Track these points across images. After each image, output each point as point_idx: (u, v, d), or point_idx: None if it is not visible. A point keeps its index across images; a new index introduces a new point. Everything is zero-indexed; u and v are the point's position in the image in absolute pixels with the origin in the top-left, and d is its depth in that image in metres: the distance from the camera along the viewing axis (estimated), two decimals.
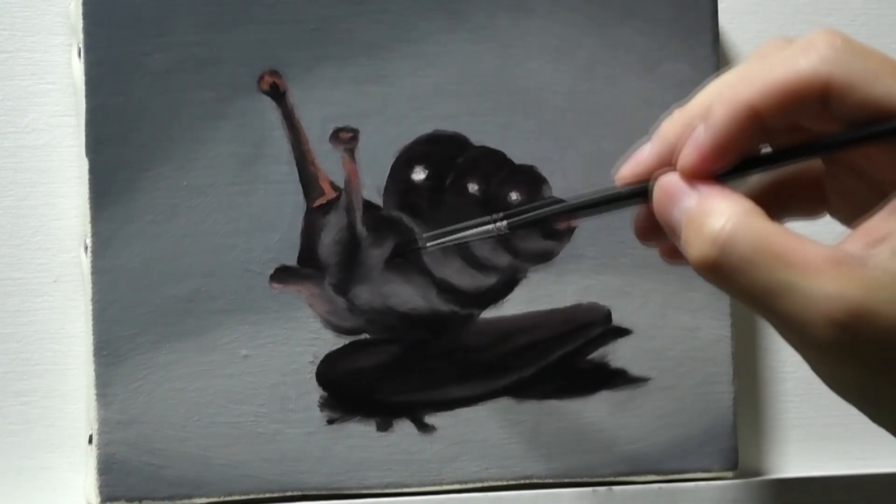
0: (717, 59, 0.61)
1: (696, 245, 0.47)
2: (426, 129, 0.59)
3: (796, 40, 0.48)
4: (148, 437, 0.57)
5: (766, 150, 0.49)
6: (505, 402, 0.60)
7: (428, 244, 0.57)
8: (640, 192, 0.50)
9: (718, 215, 0.46)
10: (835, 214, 0.52)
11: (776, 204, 0.51)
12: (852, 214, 0.48)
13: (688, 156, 0.48)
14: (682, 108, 0.49)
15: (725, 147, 0.47)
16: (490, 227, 0.54)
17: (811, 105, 0.47)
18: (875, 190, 0.48)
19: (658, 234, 0.50)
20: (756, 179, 0.52)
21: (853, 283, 0.45)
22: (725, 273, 0.46)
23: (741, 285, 0.46)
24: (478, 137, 0.59)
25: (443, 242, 0.57)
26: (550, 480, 0.60)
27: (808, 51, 0.46)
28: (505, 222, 0.54)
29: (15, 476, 0.59)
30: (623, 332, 0.61)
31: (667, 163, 0.49)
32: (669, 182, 0.49)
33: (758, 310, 0.47)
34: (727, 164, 0.48)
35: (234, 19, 0.58)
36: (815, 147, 0.48)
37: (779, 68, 0.47)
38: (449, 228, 0.56)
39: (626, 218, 0.60)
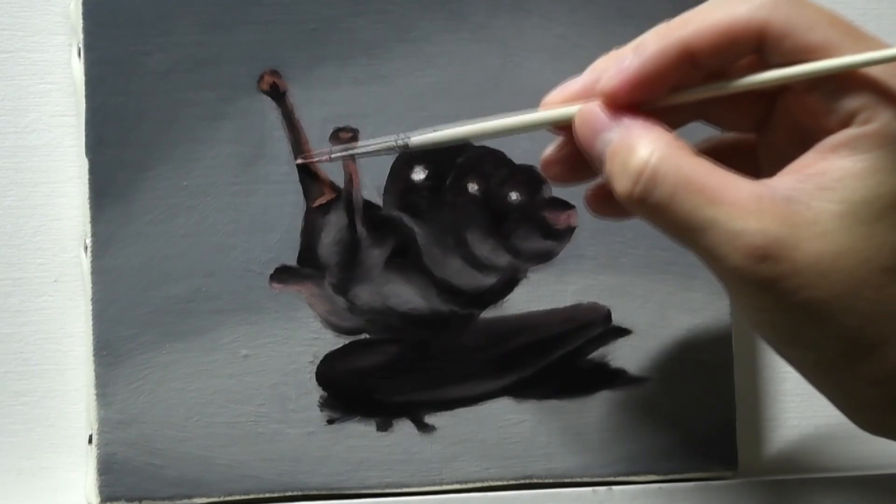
0: None
1: (620, 180, 0.47)
2: (426, 129, 0.59)
3: None
4: (148, 437, 0.57)
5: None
6: (505, 402, 0.60)
7: (332, 155, 0.57)
8: (562, 117, 0.49)
9: (642, 149, 0.47)
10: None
11: None
12: None
13: (610, 79, 0.48)
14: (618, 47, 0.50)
15: (649, 77, 0.48)
16: (392, 142, 0.54)
17: (745, 48, 0.47)
18: (806, 143, 0.48)
19: (569, 171, 0.51)
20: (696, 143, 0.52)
21: (775, 219, 0.45)
22: (650, 208, 0.47)
23: (666, 220, 0.46)
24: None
25: (346, 153, 0.57)
26: (550, 480, 0.60)
27: None
28: (409, 140, 0.53)
29: (15, 476, 0.59)
30: (623, 332, 0.61)
31: (592, 97, 0.49)
32: (591, 111, 0.48)
33: (683, 243, 0.47)
34: (649, 95, 0.48)
35: (234, 19, 0.58)
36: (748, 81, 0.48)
37: (717, 11, 0.47)
38: (354, 145, 0.57)
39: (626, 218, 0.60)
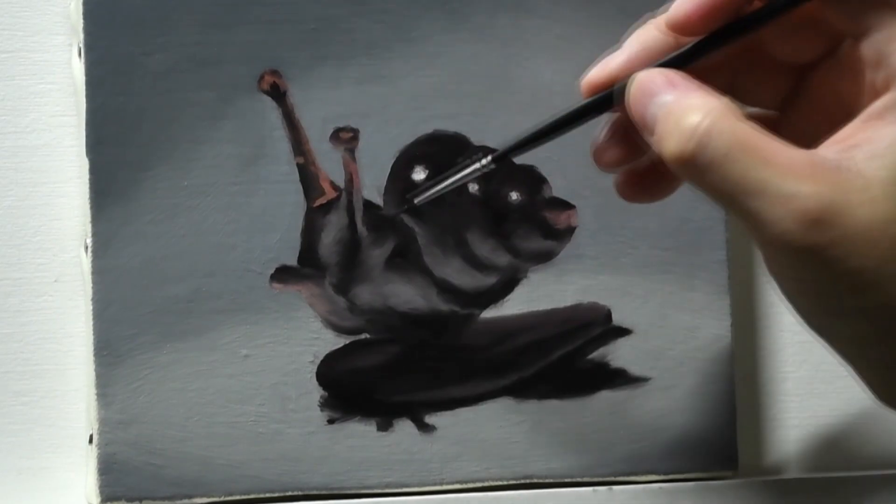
0: None
1: (672, 139, 0.47)
2: (426, 129, 0.59)
3: None
4: (148, 437, 0.57)
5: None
6: (505, 402, 0.60)
7: (416, 200, 0.56)
8: (605, 99, 0.50)
9: (696, 110, 0.46)
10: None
11: None
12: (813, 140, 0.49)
13: (682, 5, 0.48)
14: (654, 17, 0.50)
15: (714, 4, 0.48)
16: (476, 165, 0.53)
17: None
18: (836, 121, 0.48)
19: (620, 154, 0.50)
20: None
21: (828, 184, 0.45)
22: (701, 168, 0.46)
23: (715, 181, 0.46)
24: (478, 137, 0.59)
25: (431, 195, 0.56)
26: (550, 480, 0.60)
27: None
28: (489, 157, 0.52)
29: (15, 476, 0.59)
30: (623, 332, 0.61)
31: (638, 68, 0.49)
32: (649, 77, 0.48)
33: (730, 207, 0.47)
34: (715, 22, 0.48)
35: (234, 19, 0.58)
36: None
37: None
38: (433, 181, 0.55)
39: (626, 218, 0.60)
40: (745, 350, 0.63)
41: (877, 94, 0.47)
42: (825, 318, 0.47)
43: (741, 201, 0.46)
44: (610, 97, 0.50)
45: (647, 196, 0.53)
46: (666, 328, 0.61)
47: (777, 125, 0.51)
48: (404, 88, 0.59)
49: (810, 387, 0.64)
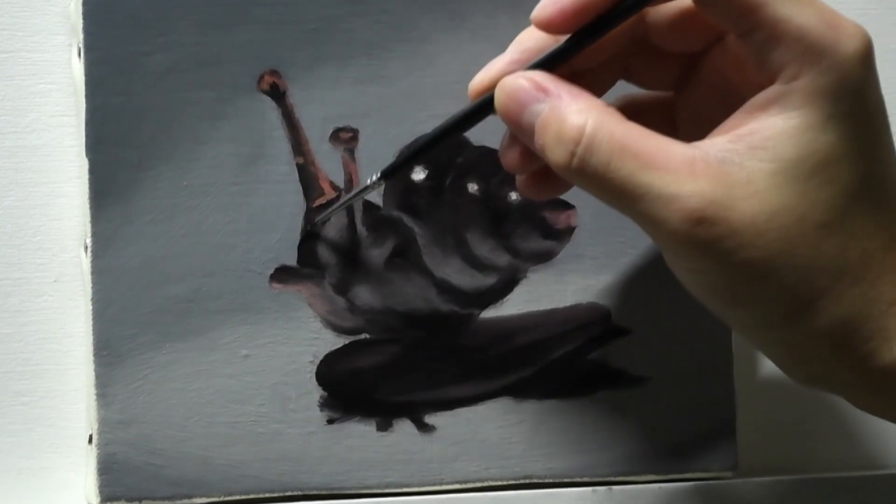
0: None
1: (556, 151, 0.47)
2: (426, 129, 0.59)
3: None
4: (148, 437, 0.57)
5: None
6: (505, 402, 0.60)
7: (317, 219, 0.58)
8: (487, 103, 0.50)
9: (574, 117, 0.47)
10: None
11: None
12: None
13: (544, 7, 0.48)
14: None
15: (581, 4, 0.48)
16: (367, 182, 0.55)
17: None
18: (728, 103, 0.48)
19: (521, 156, 0.51)
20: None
21: (709, 181, 0.45)
22: (588, 176, 0.47)
23: (603, 187, 0.47)
24: (478, 137, 0.59)
25: (329, 213, 0.57)
26: (550, 480, 0.60)
27: None
28: (378, 173, 0.54)
29: (15, 476, 0.59)
30: (623, 332, 0.61)
31: (519, 70, 0.49)
32: (516, 84, 0.48)
33: (621, 210, 0.47)
34: (580, 20, 0.48)
35: (234, 19, 0.58)
36: None
37: None
38: (334, 206, 0.57)
39: (626, 218, 0.60)
40: (745, 350, 0.63)
41: (761, 85, 0.47)
42: (728, 309, 0.48)
43: (629, 205, 0.46)
44: (492, 101, 0.49)
45: (546, 192, 0.53)
46: (666, 328, 0.61)
47: (673, 105, 0.52)
48: (404, 88, 0.59)
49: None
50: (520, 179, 0.54)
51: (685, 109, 0.52)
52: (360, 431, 0.59)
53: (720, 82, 0.50)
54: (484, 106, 0.50)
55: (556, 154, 0.47)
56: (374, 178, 0.55)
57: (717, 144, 0.46)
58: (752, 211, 0.45)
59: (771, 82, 0.47)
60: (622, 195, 0.46)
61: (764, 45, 0.46)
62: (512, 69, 0.49)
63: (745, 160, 0.46)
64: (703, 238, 0.45)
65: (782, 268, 0.46)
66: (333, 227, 0.59)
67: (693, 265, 0.47)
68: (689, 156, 0.46)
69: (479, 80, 0.51)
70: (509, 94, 0.48)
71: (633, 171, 0.46)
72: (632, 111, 0.51)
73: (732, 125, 0.47)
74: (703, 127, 0.49)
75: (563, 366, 0.60)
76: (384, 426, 0.59)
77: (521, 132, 0.49)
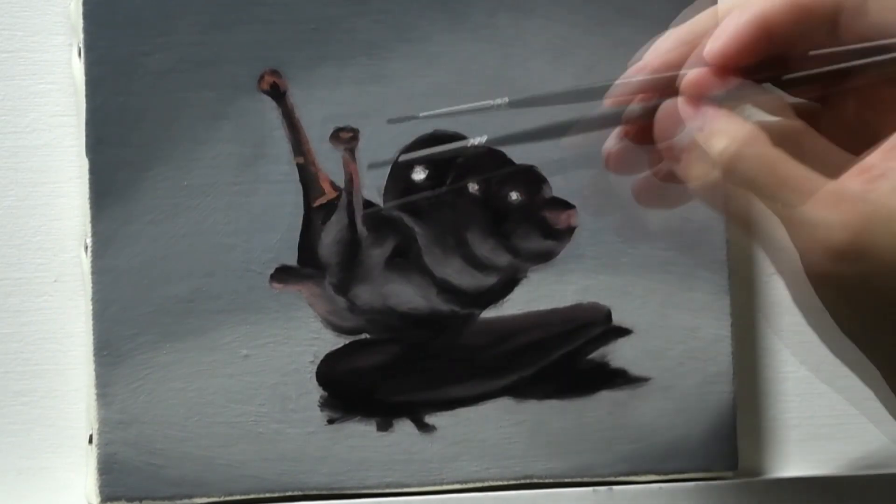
0: None
1: (698, 165, 0.47)
2: (426, 129, 0.59)
3: None
4: (148, 437, 0.57)
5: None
6: (505, 402, 0.60)
7: (422, 114, 0.57)
8: (646, 112, 0.50)
9: (722, 135, 0.47)
10: None
11: None
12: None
13: (717, 40, 0.48)
14: (678, 28, 0.50)
15: (759, 36, 0.47)
16: (492, 102, 0.53)
17: (820, 23, 0.47)
18: (868, 136, 0.47)
19: (633, 161, 0.51)
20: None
21: (854, 215, 0.44)
22: (749, 179, 0.46)
23: (741, 206, 0.46)
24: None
25: (439, 114, 0.57)
26: (550, 480, 0.60)
27: None
28: (507, 99, 0.53)
29: (15, 476, 0.59)
30: (623, 332, 0.61)
31: (671, 79, 0.49)
32: (674, 105, 0.49)
33: (755, 234, 0.47)
34: (757, 58, 0.48)
35: (234, 19, 0.58)
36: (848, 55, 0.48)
37: None
38: (448, 110, 0.56)
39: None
40: (745, 350, 0.63)
41: None
42: (867, 342, 0.47)
43: (770, 226, 0.46)
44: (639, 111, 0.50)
45: (665, 203, 0.53)
46: (666, 328, 0.61)
47: (818, 118, 0.51)
48: (404, 88, 0.59)
49: (810, 387, 0.63)
50: (635, 186, 0.53)
51: (830, 123, 0.51)
52: (360, 431, 0.59)
53: (867, 105, 0.49)
54: (638, 115, 0.50)
55: (697, 169, 0.47)
56: (503, 101, 0.53)
57: (859, 182, 0.45)
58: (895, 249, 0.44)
59: None
60: (768, 200, 0.46)
61: None
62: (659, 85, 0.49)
63: (886, 199, 0.44)
64: (845, 273, 0.45)
65: None
66: (334, 227, 0.59)
67: (829, 301, 0.46)
68: (835, 188, 0.45)
69: (623, 93, 0.50)
70: (668, 111, 0.48)
71: (779, 193, 0.45)
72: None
73: (871, 164, 0.46)
74: (850, 144, 0.48)
75: (563, 366, 0.60)
76: (384, 426, 0.59)
77: (670, 150, 0.48)
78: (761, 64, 0.48)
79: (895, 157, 0.46)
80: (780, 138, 0.47)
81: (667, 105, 0.49)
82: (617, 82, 0.51)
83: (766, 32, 0.47)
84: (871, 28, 0.46)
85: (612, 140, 0.52)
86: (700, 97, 0.48)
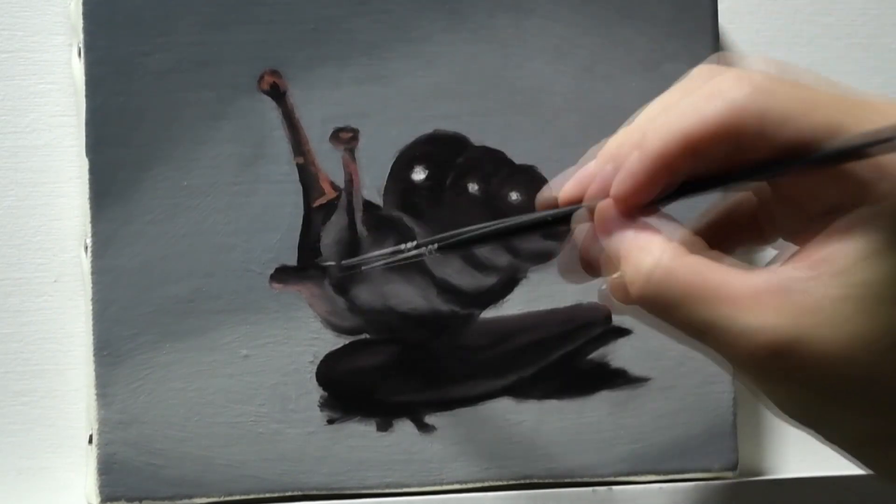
0: (717, 59, 0.61)
1: (634, 284, 0.46)
2: (426, 129, 0.59)
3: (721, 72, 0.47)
4: (148, 437, 0.57)
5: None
6: (505, 402, 0.60)
7: (343, 263, 0.58)
8: (566, 216, 0.49)
9: (648, 254, 0.46)
10: (772, 245, 0.52)
11: (722, 236, 0.51)
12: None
13: (621, 183, 0.47)
14: (627, 127, 0.49)
15: (658, 175, 0.47)
16: (422, 250, 0.53)
17: (748, 135, 0.45)
18: (806, 220, 0.47)
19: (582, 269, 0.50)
20: (702, 212, 0.52)
21: (786, 312, 0.44)
22: (661, 310, 0.46)
23: (677, 322, 0.46)
24: (478, 137, 0.59)
25: (360, 262, 0.58)
26: (550, 480, 0.60)
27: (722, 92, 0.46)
28: (436, 245, 0.52)
29: (15, 476, 0.59)
30: (623, 332, 0.61)
31: (609, 185, 0.48)
32: (604, 212, 0.48)
33: (696, 342, 0.47)
34: (661, 191, 0.47)
35: (234, 19, 0.58)
36: (748, 174, 0.47)
37: (713, 101, 0.46)
38: (370, 256, 0.57)
39: None
40: None
41: (836, 205, 0.45)
42: (814, 429, 0.47)
43: (703, 339, 0.46)
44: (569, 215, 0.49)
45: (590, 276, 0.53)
46: None
47: (770, 192, 0.51)
48: (404, 88, 0.59)
49: None
50: (560, 262, 0.53)
51: (765, 215, 0.51)
52: (360, 431, 0.59)
53: (790, 196, 0.49)
54: (560, 220, 0.50)
55: (634, 287, 0.46)
56: (432, 248, 0.52)
57: (788, 272, 0.45)
58: (827, 339, 0.44)
59: (856, 206, 0.45)
60: (697, 329, 0.45)
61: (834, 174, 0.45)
62: (601, 183, 0.48)
63: (825, 288, 0.44)
64: (776, 370, 0.45)
65: (864, 396, 0.45)
66: (334, 227, 0.59)
67: (775, 395, 0.46)
68: (754, 287, 0.45)
69: (570, 190, 0.50)
70: (600, 218, 0.48)
71: (702, 307, 0.45)
72: (724, 219, 0.51)
73: (811, 251, 0.45)
74: (786, 231, 0.48)
75: (563, 366, 0.60)
76: (384, 426, 0.59)
77: (607, 260, 0.48)
78: (672, 190, 0.47)
79: (835, 241, 0.45)
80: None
81: (601, 207, 0.48)
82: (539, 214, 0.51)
83: (691, 151, 0.46)
84: (798, 130, 0.45)
85: (563, 253, 0.52)
86: (609, 228, 0.48)
